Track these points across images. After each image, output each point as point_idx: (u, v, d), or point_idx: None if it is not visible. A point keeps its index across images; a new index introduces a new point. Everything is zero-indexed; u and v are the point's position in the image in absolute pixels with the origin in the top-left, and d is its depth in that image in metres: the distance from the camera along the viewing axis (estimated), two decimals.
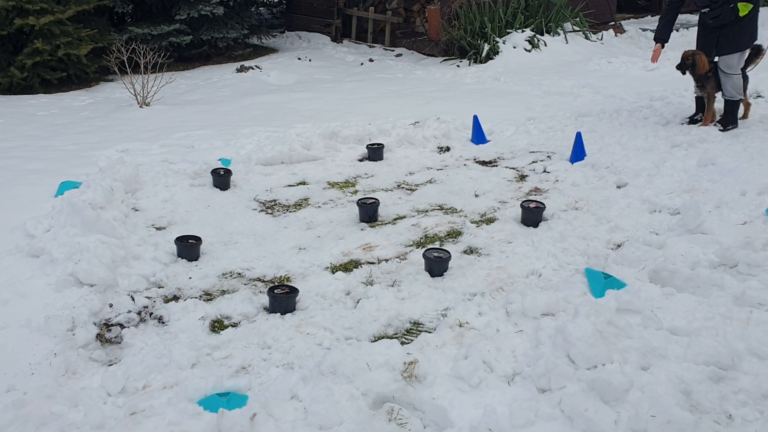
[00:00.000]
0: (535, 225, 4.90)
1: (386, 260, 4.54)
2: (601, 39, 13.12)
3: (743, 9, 6.33)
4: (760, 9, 6.79)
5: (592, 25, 13.44)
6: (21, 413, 2.86)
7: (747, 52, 6.66)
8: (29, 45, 11.39)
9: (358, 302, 3.97)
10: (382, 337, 3.57)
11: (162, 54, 10.43)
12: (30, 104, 10.68)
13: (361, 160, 6.74)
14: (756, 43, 6.53)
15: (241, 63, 12.90)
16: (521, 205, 4.99)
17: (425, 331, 3.59)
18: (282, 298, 3.93)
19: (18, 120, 9.36)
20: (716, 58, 6.64)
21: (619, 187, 5.49)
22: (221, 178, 5.88)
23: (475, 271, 4.20)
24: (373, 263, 4.51)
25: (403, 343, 3.37)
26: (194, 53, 13.57)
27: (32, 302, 3.78)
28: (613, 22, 14.40)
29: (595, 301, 3.48)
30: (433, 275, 4.21)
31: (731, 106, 6.76)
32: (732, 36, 6.50)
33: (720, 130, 6.62)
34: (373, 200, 5.29)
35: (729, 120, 6.74)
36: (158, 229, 5.04)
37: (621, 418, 2.69)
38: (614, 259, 4.11)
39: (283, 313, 3.88)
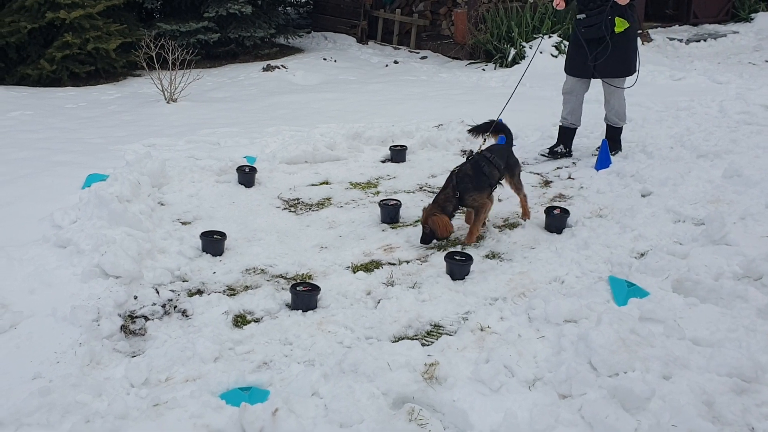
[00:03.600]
0: (559, 231, 4.89)
1: (407, 262, 4.56)
2: None
3: (620, 25, 5.89)
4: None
5: None
6: (46, 401, 2.90)
7: (626, 79, 6.21)
8: (59, 38, 11.54)
9: (378, 302, 3.98)
10: (403, 338, 3.58)
11: (190, 51, 10.53)
12: (58, 97, 10.82)
13: (383, 162, 6.76)
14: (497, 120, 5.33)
15: (268, 62, 12.99)
16: (545, 211, 4.99)
17: (446, 334, 3.60)
18: (304, 295, 3.95)
19: (46, 112, 9.49)
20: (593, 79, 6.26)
21: (643, 195, 5.46)
22: (246, 176, 5.93)
23: (497, 276, 4.20)
24: (394, 264, 4.52)
25: (423, 345, 3.38)
26: (221, 51, 13.67)
27: (58, 292, 3.84)
28: (640, 31, 14.29)
29: (618, 309, 3.47)
30: (454, 278, 4.22)
31: (613, 131, 6.47)
32: (614, 57, 5.97)
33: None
34: (395, 202, 5.30)
35: (614, 146, 6.45)
36: (183, 223, 5.09)
37: (642, 427, 2.68)
38: (638, 268, 4.09)
39: (304, 311, 3.90)
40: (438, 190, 5.83)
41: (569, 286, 4.08)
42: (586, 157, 6.54)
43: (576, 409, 2.80)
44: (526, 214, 5.11)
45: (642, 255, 4.43)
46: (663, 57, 12.81)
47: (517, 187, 5.11)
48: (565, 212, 4.99)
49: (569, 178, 6.06)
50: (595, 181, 5.83)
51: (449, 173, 4.88)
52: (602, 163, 6.14)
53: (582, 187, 5.79)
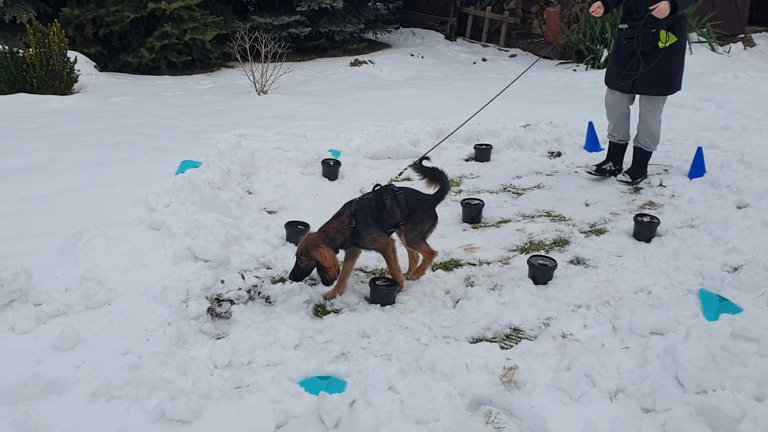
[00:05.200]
0: (648, 240, 4.73)
1: (488, 263, 4.51)
2: (729, 52, 12.50)
3: (665, 38, 5.37)
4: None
5: (720, 37, 12.81)
6: (135, 375, 3.02)
7: (666, 99, 5.70)
8: (159, 28, 12.03)
9: (457, 302, 3.96)
10: (481, 340, 3.55)
11: (281, 44, 10.75)
12: (156, 84, 11.27)
13: (467, 160, 6.72)
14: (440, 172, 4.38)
15: (356, 57, 13.15)
16: (634, 219, 4.83)
17: (526, 339, 3.55)
18: (383, 290, 3.97)
19: (145, 99, 9.90)
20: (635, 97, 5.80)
21: (739, 207, 5.21)
22: (330, 169, 6.01)
23: (581, 283, 4.10)
24: (474, 265, 4.49)
25: (502, 348, 3.34)
26: (311, 45, 13.92)
27: (151, 272, 3.99)
28: (742, 35, 13.66)
29: (709, 324, 3.33)
30: (536, 283, 4.15)
31: (642, 155, 5.90)
32: (656, 73, 5.48)
33: (628, 182, 5.86)
34: (477, 201, 5.26)
35: (639, 171, 5.91)
36: (269, 212, 5.22)
37: None
38: (730, 283, 3.92)
39: (383, 305, 3.92)
40: (522, 192, 5.80)
41: (656, 297, 3.94)
42: (679, 164, 6.30)
43: (659, 424, 2.71)
44: (416, 272, 4.24)
45: (735, 269, 4.24)
46: (767, 63, 12.20)
47: (411, 242, 4.13)
48: (655, 220, 4.83)
49: (660, 185, 5.85)
50: (688, 190, 5.62)
51: (346, 202, 4.10)
52: (696, 171, 5.90)
53: (673, 196, 5.59)
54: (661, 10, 5.20)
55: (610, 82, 5.92)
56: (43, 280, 3.73)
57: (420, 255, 4.26)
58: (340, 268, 4.00)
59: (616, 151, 6.06)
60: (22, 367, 3.06)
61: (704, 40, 12.46)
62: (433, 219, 4.20)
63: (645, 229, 4.77)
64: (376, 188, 4.10)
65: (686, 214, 5.15)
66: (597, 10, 5.62)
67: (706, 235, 4.75)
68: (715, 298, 3.69)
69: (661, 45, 5.42)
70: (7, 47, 9.85)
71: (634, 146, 5.99)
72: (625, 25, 5.58)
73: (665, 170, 6.21)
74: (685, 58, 5.66)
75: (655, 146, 5.92)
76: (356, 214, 3.91)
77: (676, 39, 5.43)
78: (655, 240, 4.74)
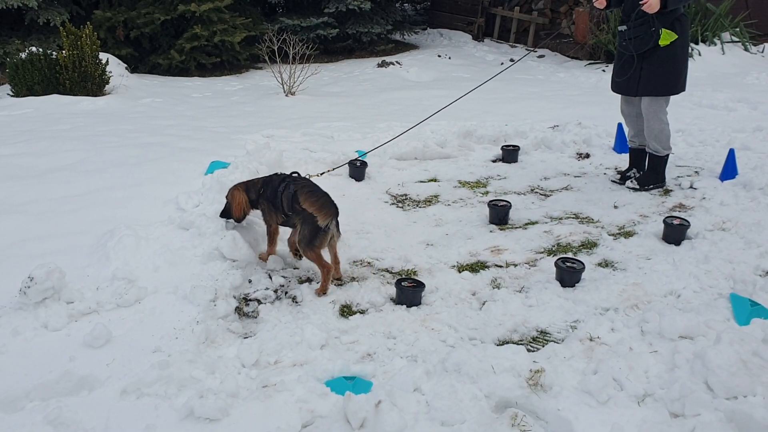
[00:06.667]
0: (678, 243, 4.67)
1: (515, 265, 4.49)
2: (762, 51, 12.28)
3: (666, 37, 5.24)
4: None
5: (754, 36, 12.59)
6: (165, 373, 3.07)
7: (669, 99, 5.57)
8: (189, 30, 12.17)
9: (483, 304, 3.95)
10: (507, 342, 3.53)
11: (309, 45, 10.81)
12: (185, 86, 11.39)
13: (494, 161, 6.70)
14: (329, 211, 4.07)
15: (383, 58, 13.17)
16: (664, 221, 4.77)
17: (553, 341, 3.53)
18: (409, 291, 3.98)
19: (175, 100, 10.02)
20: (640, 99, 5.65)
21: None
22: (357, 170, 6.03)
23: (609, 286, 4.06)
24: (501, 266, 4.47)
25: (529, 351, 3.33)
26: (339, 46, 13.98)
27: (180, 271, 4.04)
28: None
29: (740, 329, 3.28)
30: (564, 285, 4.12)
31: (653, 160, 5.73)
32: (658, 72, 5.38)
33: (636, 189, 5.71)
34: (504, 203, 5.24)
35: (651, 178, 5.74)
36: None
37: None
38: (763, 287, 3.85)
39: (408, 306, 3.93)
40: (550, 194, 5.77)
41: (686, 300, 3.90)
42: (710, 165, 6.21)
43: (688, 429, 2.68)
44: (319, 289, 4.08)
45: None
46: None
47: (298, 245, 4.14)
48: (685, 223, 4.76)
49: (691, 187, 5.78)
50: (719, 192, 5.53)
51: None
52: (728, 173, 5.81)
53: (704, 198, 5.51)
54: (651, 4, 5.16)
55: (613, 86, 5.84)
56: (75, 279, 3.79)
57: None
58: (247, 213, 4.39)
59: (638, 156, 5.97)
60: (54, 364, 3.13)
61: (737, 39, 12.26)
62: (304, 227, 4.04)
63: (675, 232, 4.71)
64: (293, 173, 4.36)
65: (717, 217, 5.08)
66: (601, 0, 5.58)
67: (738, 238, 4.67)
68: (747, 302, 3.63)
69: (662, 43, 5.32)
70: (41, 49, 10.03)
71: (647, 153, 5.85)
72: (624, 27, 5.51)
73: (696, 172, 6.12)
74: (688, 58, 5.57)
75: (665, 150, 5.72)
76: (265, 184, 4.32)
77: (676, 36, 5.34)
78: (685, 243, 4.68)
